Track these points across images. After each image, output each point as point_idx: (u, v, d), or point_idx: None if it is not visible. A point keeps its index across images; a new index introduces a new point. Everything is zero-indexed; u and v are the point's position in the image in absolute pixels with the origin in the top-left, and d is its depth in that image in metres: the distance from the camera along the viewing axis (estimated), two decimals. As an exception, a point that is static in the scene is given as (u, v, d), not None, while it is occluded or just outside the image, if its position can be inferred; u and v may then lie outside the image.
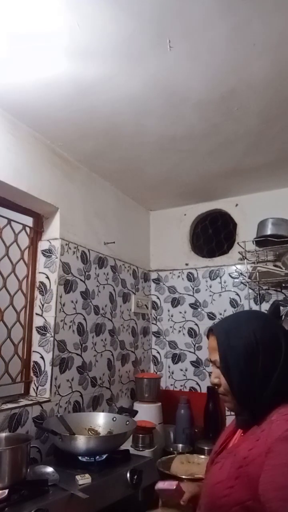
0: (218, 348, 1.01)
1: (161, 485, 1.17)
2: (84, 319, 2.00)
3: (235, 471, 0.90)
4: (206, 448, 2.05)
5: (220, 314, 2.44)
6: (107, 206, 2.32)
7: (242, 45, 1.25)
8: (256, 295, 2.33)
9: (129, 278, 2.46)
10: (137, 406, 2.15)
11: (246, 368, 0.95)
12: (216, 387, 1.04)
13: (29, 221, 1.89)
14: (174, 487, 1.14)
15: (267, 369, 0.94)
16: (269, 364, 0.94)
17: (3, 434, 1.41)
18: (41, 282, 1.86)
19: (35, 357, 1.80)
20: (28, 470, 1.30)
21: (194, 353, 2.49)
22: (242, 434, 1.02)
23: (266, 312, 2.14)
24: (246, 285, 2.36)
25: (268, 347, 0.95)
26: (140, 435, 1.91)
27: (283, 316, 2.11)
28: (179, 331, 2.57)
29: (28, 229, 1.88)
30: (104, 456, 1.52)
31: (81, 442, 1.44)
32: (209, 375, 2.37)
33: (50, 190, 1.85)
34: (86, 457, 1.49)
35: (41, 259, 1.90)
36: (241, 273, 2.41)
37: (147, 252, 2.76)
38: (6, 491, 1.16)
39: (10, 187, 1.63)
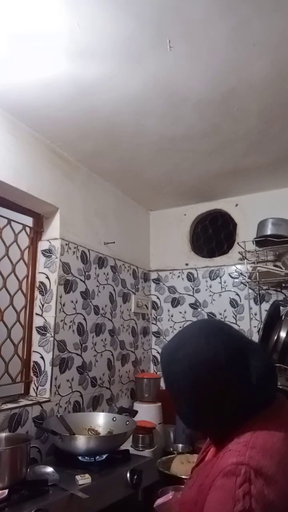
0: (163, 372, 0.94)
1: (159, 501, 1.13)
2: (84, 319, 2.00)
3: (195, 495, 0.84)
4: (206, 448, 2.05)
5: (220, 314, 2.44)
6: (107, 206, 2.32)
7: (242, 45, 1.25)
8: (256, 295, 2.33)
9: (129, 278, 2.46)
10: (137, 406, 2.15)
11: (186, 394, 0.86)
12: None
13: (29, 221, 1.89)
14: (170, 497, 1.11)
15: (205, 391, 0.83)
16: (207, 385, 0.83)
17: (3, 434, 1.41)
18: (41, 282, 1.86)
19: (35, 357, 1.80)
20: (28, 470, 1.30)
21: (194, 353, 2.49)
22: (215, 448, 0.93)
23: (267, 313, 2.12)
24: (246, 285, 2.36)
25: (203, 366, 0.84)
26: (140, 435, 1.91)
27: (283, 316, 2.10)
28: (179, 331, 2.57)
29: (28, 229, 1.88)
30: (104, 456, 1.52)
31: (81, 442, 1.44)
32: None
33: (50, 190, 1.85)
34: (86, 457, 1.49)
35: (41, 259, 1.90)
36: (241, 273, 2.41)
37: (147, 252, 2.76)
38: (6, 491, 1.16)
39: (10, 187, 1.63)
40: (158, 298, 2.70)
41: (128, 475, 1.44)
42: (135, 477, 1.44)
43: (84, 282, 2.03)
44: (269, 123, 1.69)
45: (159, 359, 2.59)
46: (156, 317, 2.68)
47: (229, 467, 0.74)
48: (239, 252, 2.32)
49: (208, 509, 0.75)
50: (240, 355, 0.85)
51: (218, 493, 0.73)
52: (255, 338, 2.20)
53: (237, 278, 2.43)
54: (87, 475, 1.33)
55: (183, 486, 1.63)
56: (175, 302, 2.63)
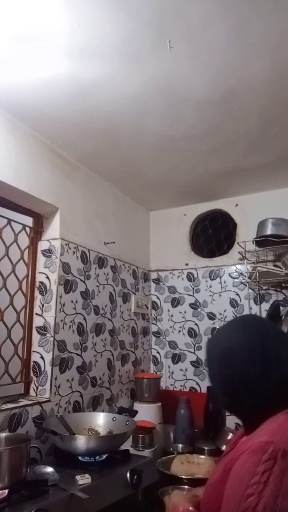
0: (205, 359, 1.02)
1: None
2: (84, 319, 2.00)
3: (221, 474, 0.89)
4: (206, 448, 2.05)
5: (220, 314, 2.44)
6: (107, 206, 2.32)
7: (242, 45, 1.25)
8: (256, 295, 2.33)
9: (129, 278, 2.46)
10: (137, 406, 2.15)
11: (224, 375, 0.92)
12: None
13: (29, 221, 1.89)
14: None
15: (243, 376, 0.89)
16: (244, 371, 0.89)
17: (3, 434, 1.41)
18: (41, 282, 1.86)
19: (35, 357, 1.80)
20: (28, 470, 1.30)
21: (194, 353, 2.49)
22: (246, 437, 0.99)
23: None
24: (246, 285, 2.36)
25: (242, 353, 0.90)
26: (140, 435, 1.91)
27: (283, 316, 2.10)
28: (179, 331, 2.57)
29: (28, 229, 1.88)
30: (104, 456, 1.52)
31: (81, 442, 1.44)
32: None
33: (50, 190, 1.85)
34: (86, 457, 1.49)
35: (41, 259, 1.90)
36: (241, 273, 2.41)
37: (147, 252, 2.76)
38: (6, 491, 1.16)
39: (10, 187, 1.63)
40: (158, 298, 2.70)
41: (128, 475, 1.44)
42: (135, 477, 1.44)
43: (84, 282, 2.03)
44: (269, 123, 1.69)
45: (158, 360, 2.59)
46: (156, 317, 2.68)
47: (257, 444, 0.77)
48: (239, 252, 2.32)
49: (229, 481, 0.79)
50: (276, 344, 0.90)
51: (241, 466, 0.78)
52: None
53: (237, 278, 2.43)
54: (87, 475, 1.33)
55: (183, 486, 1.64)
56: (175, 302, 2.63)
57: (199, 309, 2.53)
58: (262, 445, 0.76)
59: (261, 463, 0.72)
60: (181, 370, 2.51)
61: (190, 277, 2.60)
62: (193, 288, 2.58)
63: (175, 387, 2.51)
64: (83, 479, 1.31)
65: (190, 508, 0.97)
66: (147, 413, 2.11)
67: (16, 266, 1.79)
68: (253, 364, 0.88)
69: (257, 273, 2.21)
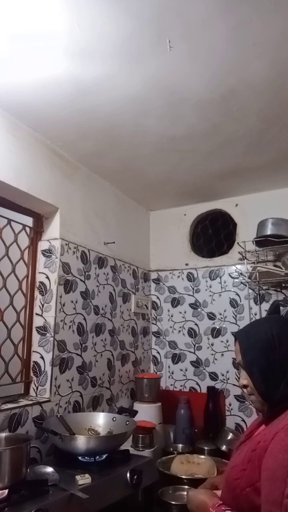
0: (240, 348, 1.09)
1: None
2: (84, 319, 2.00)
3: (249, 454, 0.96)
4: (206, 448, 2.05)
5: (220, 314, 2.44)
6: (107, 206, 2.32)
7: (242, 45, 1.25)
8: (256, 295, 2.33)
9: (129, 278, 2.46)
10: (137, 406, 2.15)
11: (265, 362, 1.01)
12: (244, 389, 1.10)
13: (29, 221, 1.89)
14: None
15: (284, 363, 0.99)
16: (286, 359, 1.00)
17: (3, 434, 1.41)
18: (41, 282, 1.86)
19: (35, 357, 1.80)
20: (28, 470, 1.30)
21: (194, 353, 2.49)
22: (265, 427, 1.05)
23: (267, 313, 2.14)
24: (246, 285, 2.36)
25: (284, 343, 1.01)
26: (140, 435, 1.91)
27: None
28: (179, 331, 2.57)
29: (28, 229, 1.88)
30: (104, 456, 1.52)
31: (81, 442, 1.44)
32: (209, 376, 2.38)
33: (50, 190, 1.85)
34: (86, 457, 1.49)
35: (41, 259, 1.90)
36: (241, 273, 2.41)
37: (147, 252, 2.76)
38: (6, 491, 1.16)
39: (10, 187, 1.63)
40: (158, 298, 2.70)
41: (128, 475, 1.43)
42: (135, 477, 1.44)
43: (84, 282, 2.03)
44: (269, 123, 1.69)
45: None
46: (156, 317, 2.68)
47: None
48: (239, 252, 2.32)
49: (270, 455, 0.87)
50: None
51: (281, 442, 0.86)
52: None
53: (237, 278, 2.43)
54: (87, 475, 1.33)
55: (183, 486, 1.64)
56: (175, 302, 2.63)
57: (199, 309, 2.53)
58: None
59: None
60: (181, 370, 2.51)
61: (190, 277, 2.60)
62: (193, 288, 2.58)
63: (175, 387, 2.51)
64: (83, 479, 1.31)
65: (218, 501, 1.01)
66: (147, 413, 2.11)
67: (16, 266, 1.79)
68: None
69: (257, 273, 2.21)
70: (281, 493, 0.79)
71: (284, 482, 0.79)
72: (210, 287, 2.51)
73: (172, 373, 2.54)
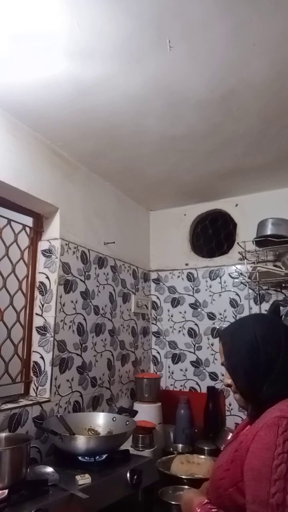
0: (223, 349, 1.09)
1: None
2: (84, 319, 2.00)
3: (232, 455, 0.97)
4: (206, 448, 2.05)
5: (220, 314, 2.44)
6: (107, 206, 2.32)
7: (242, 45, 1.25)
8: (256, 295, 2.33)
9: (129, 278, 2.46)
10: (137, 406, 2.15)
11: (249, 365, 1.00)
12: (228, 387, 1.10)
13: (29, 221, 1.89)
14: None
15: (267, 364, 0.98)
16: (269, 360, 0.99)
17: (3, 434, 1.41)
18: (41, 282, 1.86)
19: (35, 357, 1.80)
20: (28, 470, 1.30)
21: (194, 353, 2.49)
22: (250, 427, 1.06)
23: (267, 313, 2.14)
24: (246, 285, 2.36)
25: (268, 345, 1.00)
26: (140, 435, 1.91)
27: (283, 316, 2.11)
28: (179, 331, 2.57)
29: (28, 229, 1.88)
30: (104, 456, 1.52)
31: (81, 442, 1.44)
32: (209, 376, 2.38)
33: (50, 190, 1.85)
34: (86, 457, 1.49)
35: (41, 259, 1.90)
36: (241, 273, 2.41)
37: (147, 252, 2.76)
38: (6, 491, 1.16)
39: (10, 187, 1.63)
40: (158, 298, 2.70)
41: (128, 475, 1.43)
42: (135, 477, 1.44)
43: (84, 282, 2.03)
44: (269, 123, 1.69)
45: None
46: (156, 317, 2.68)
47: (272, 420, 0.87)
48: (239, 252, 2.32)
49: (252, 455, 0.87)
50: None
51: (262, 440, 0.86)
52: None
53: (237, 278, 2.43)
54: (87, 475, 1.33)
55: (183, 486, 1.64)
56: (175, 302, 2.63)
57: (199, 309, 2.53)
58: (276, 420, 0.86)
59: (279, 435, 0.83)
60: (181, 370, 2.51)
61: (190, 277, 2.60)
62: (193, 288, 2.58)
63: (175, 387, 2.51)
64: (83, 479, 1.31)
65: (205, 500, 1.02)
66: (147, 413, 2.11)
67: (16, 266, 1.79)
68: (277, 355, 0.98)
69: (257, 273, 2.21)
70: (267, 492, 0.79)
71: (269, 481, 0.80)
72: (210, 287, 2.51)
73: (172, 373, 2.54)
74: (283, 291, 2.27)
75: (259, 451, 0.85)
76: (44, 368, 1.77)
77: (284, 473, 0.78)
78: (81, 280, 2.00)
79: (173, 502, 1.55)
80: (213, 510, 0.96)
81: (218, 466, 1.02)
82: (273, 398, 0.96)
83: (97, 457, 1.49)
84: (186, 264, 2.63)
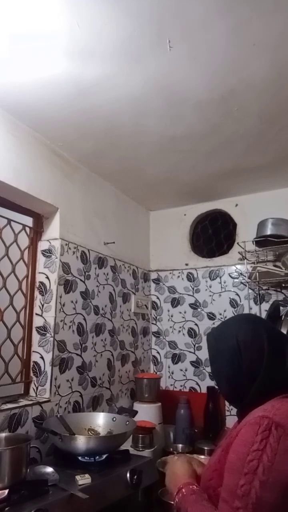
0: (208, 354, 1.10)
1: None
2: (84, 319, 2.00)
3: (219, 455, 0.99)
4: (206, 448, 2.05)
5: (220, 314, 2.44)
6: (107, 206, 2.32)
7: (242, 45, 1.25)
8: (256, 295, 2.33)
9: (129, 278, 2.46)
10: (137, 406, 2.15)
11: (231, 372, 1.00)
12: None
13: (29, 221, 1.89)
14: None
15: (251, 370, 0.98)
16: (252, 365, 0.98)
17: (3, 434, 1.41)
18: (41, 282, 1.86)
19: (35, 357, 1.80)
20: (28, 470, 1.30)
21: (194, 353, 2.49)
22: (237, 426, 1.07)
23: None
24: (246, 285, 2.36)
25: (250, 350, 0.99)
26: (140, 435, 1.91)
27: (283, 316, 2.10)
28: (179, 331, 2.57)
29: (28, 229, 1.88)
30: (104, 456, 1.52)
31: (81, 442, 1.44)
32: (209, 376, 2.38)
33: (50, 190, 1.85)
34: (86, 457, 1.49)
35: (41, 259, 1.90)
36: (241, 273, 2.41)
37: (147, 252, 2.76)
38: (6, 491, 1.16)
39: (10, 187, 1.63)
40: (158, 298, 2.70)
41: (128, 475, 1.43)
42: (135, 477, 1.44)
43: (84, 282, 2.03)
44: (269, 123, 1.69)
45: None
46: (156, 317, 2.68)
47: (254, 419, 0.88)
48: (239, 252, 2.32)
49: (231, 450, 0.90)
50: (279, 342, 1.01)
51: (242, 437, 0.88)
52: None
53: (237, 278, 2.43)
54: (87, 475, 1.33)
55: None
56: (175, 302, 2.63)
57: (199, 309, 2.53)
58: (258, 419, 0.87)
59: (258, 434, 0.85)
60: (181, 370, 2.51)
61: (190, 277, 2.60)
62: (193, 288, 2.58)
63: (175, 387, 2.51)
64: (83, 479, 1.31)
65: (193, 484, 1.02)
66: (147, 413, 2.11)
67: (16, 266, 1.79)
68: (260, 360, 0.97)
69: (257, 273, 2.21)
70: (236, 484, 0.83)
71: (239, 473, 0.84)
72: (210, 287, 2.51)
73: (172, 373, 2.54)
74: (283, 291, 2.27)
75: (237, 447, 0.89)
76: (44, 368, 1.77)
77: (254, 469, 0.81)
78: (81, 280, 2.00)
79: (173, 502, 1.54)
80: (195, 488, 0.99)
81: (208, 467, 1.04)
82: (259, 399, 0.96)
83: (97, 457, 1.49)
84: (186, 264, 2.63)
